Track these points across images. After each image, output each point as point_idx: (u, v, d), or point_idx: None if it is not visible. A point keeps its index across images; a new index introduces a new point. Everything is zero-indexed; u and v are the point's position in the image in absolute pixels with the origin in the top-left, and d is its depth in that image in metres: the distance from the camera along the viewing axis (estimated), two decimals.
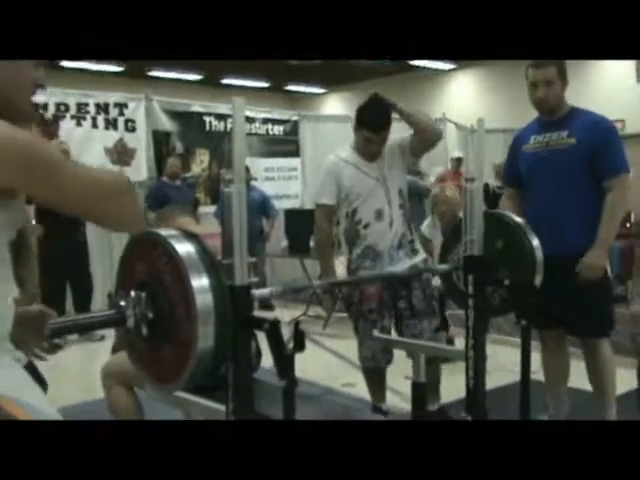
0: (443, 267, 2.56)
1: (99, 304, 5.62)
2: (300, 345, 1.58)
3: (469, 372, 2.36)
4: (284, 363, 1.58)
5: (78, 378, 3.98)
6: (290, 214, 6.68)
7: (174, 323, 1.53)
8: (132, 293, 1.56)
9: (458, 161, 8.66)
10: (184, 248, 1.54)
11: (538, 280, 2.37)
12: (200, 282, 1.50)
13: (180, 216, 2.93)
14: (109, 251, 6.33)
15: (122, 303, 1.54)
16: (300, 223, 6.26)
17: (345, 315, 6.28)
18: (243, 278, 1.64)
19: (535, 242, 2.36)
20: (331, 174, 3.13)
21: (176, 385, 1.56)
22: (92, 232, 6.17)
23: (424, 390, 2.60)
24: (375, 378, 3.20)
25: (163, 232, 1.59)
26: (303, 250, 6.18)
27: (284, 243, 6.55)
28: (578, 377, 3.15)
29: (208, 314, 1.49)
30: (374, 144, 3.06)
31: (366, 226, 3.08)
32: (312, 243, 6.07)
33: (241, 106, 1.69)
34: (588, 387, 3.05)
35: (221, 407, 1.70)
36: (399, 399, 3.52)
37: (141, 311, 1.54)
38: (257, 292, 1.77)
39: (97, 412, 3.50)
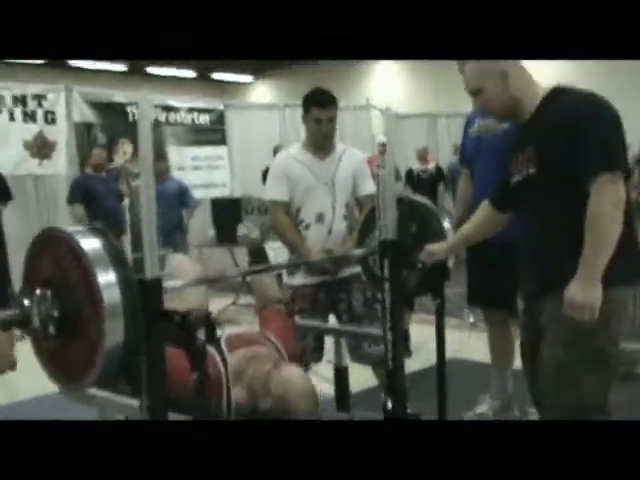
0: (358, 252, 2.60)
1: None
2: (211, 337, 1.59)
3: (387, 354, 2.41)
4: (196, 356, 1.59)
5: (34, 371, 3.87)
6: (216, 203, 6.62)
7: (81, 320, 1.51)
8: (37, 291, 1.54)
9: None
10: (90, 244, 1.53)
11: (450, 262, 2.45)
12: (107, 277, 1.49)
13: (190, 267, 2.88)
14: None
15: (26, 302, 1.52)
16: (227, 212, 6.22)
17: None
18: (153, 271, 1.63)
19: (446, 225, 2.43)
20: (280, 170, 3.12)
21: (86, 382, 1.55)
22: (12, 222, 5.93)
23: (346, 374, 2.65)
24: None
25: (68, 228, 1.57)
26: (231, 239, 6.14)
27: (211, 232, 6.51)
28: None
29: (115, 310, 1.48)
30: (323, 125, 3.03)
31: (307, 227, 3.08)
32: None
33: (146, 99, 1.67)
34: None
35: (135, 403, 1.69)
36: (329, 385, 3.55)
37: (46, 309, 1.52)
38: (169, 284, 1.76)
39: (50, 407, 3.44)
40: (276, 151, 7.33)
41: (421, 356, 4.13)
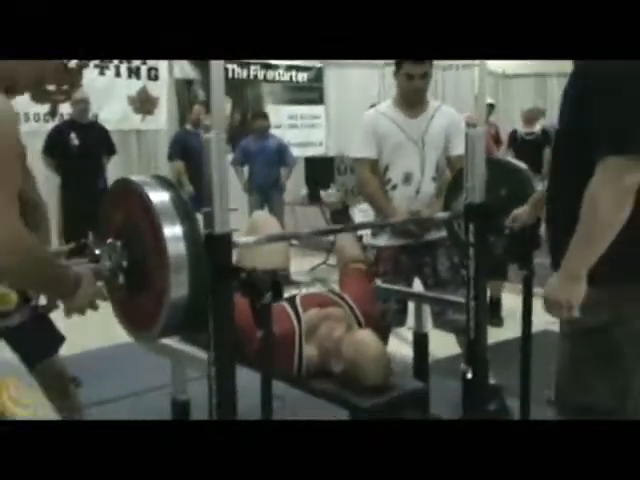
0: (443, 215, 2.49)
1: None
2: (277, 295, 1.55)
3: (470, 323, 2.31)
4: (261, 313, 1.56)
5: (97, 324, 4.05)
6: (310, 162, 6.57)
7: (148, 271, 1.52)
8: (108, 241, 1.56)
9: (490, 107, 8.39)
10: (158, 196, 1.52)
11: (542, 229, 2.29)
12: (173, 230, 1.48)
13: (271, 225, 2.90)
14: None
15: (97, 252, 1.54)
16: (320, 171, 6.19)
17: None
18: (222, 226, 1.61)
19: (539, 189, 2.27)
20: (369, 127, 2.98)
21: (152, 332, 1.56)
22: (115, 176, 6.17)
23: (425, 341, 2.57)
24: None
25: (138, 179, 1.57)
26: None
27: (304, 191, 6.49)
28: None
29: (181, 262, 1.47)
30: (415, 81, 2.86)
31: (394, 187, 2.94)
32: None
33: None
34: None
35: (203, 356, 1.70)
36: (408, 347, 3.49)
37: (116, 259, 1.54)
38: (240, 240, 1.74)
39: (116, 357, 3.60)
40: None
41: (515, 326, 3.97)
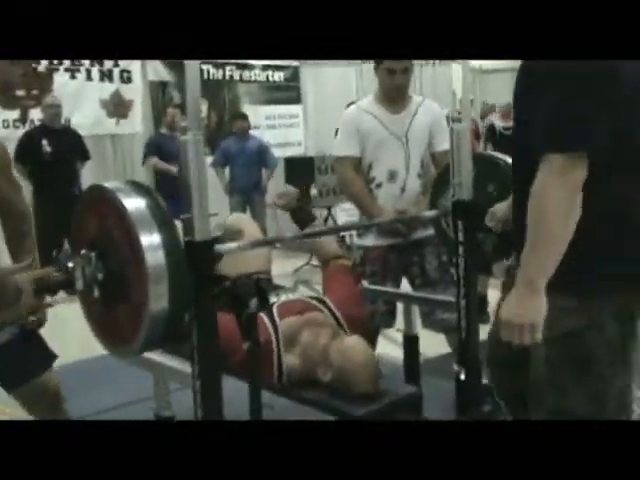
0: (430, 213, 2.42)
1: None
2: (263, 303, 1.47)
3: (461, 323, 2.26)
4: (246, 323, 1.48)
5: (75, 336, 3.95)
6: (290, 162, 6.48)
7: (126, 284, 1.43)
8: (82, 252, 1.47)
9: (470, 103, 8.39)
10: (133, 203, 1.43)
11: None
12: (150, 239, 1.39)
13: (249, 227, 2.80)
14: None
15: (70, 264, 1.45)
16: (301, 171, 6.11)
17: None
18: (204, 233, 1.52)
19: None
20: (350, 124, 2.89)
21: (132, 347, 1.48)
22: (90, 182, 6.06)
23: (416, 343, 2.50)
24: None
25: (111, 185, 1.48)
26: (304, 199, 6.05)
27: None
28: None
29: (160, 273, 1.39)
30: (397, 76, 2.79)
31: (378, 186, 2.86)
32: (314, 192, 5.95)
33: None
34: None
35: (187, 369, 1.61)
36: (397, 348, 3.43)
37: (91, 272, 1.45)
38: (223, 247, 1.66)
39: (94, 369, 3.50)
40: None
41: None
